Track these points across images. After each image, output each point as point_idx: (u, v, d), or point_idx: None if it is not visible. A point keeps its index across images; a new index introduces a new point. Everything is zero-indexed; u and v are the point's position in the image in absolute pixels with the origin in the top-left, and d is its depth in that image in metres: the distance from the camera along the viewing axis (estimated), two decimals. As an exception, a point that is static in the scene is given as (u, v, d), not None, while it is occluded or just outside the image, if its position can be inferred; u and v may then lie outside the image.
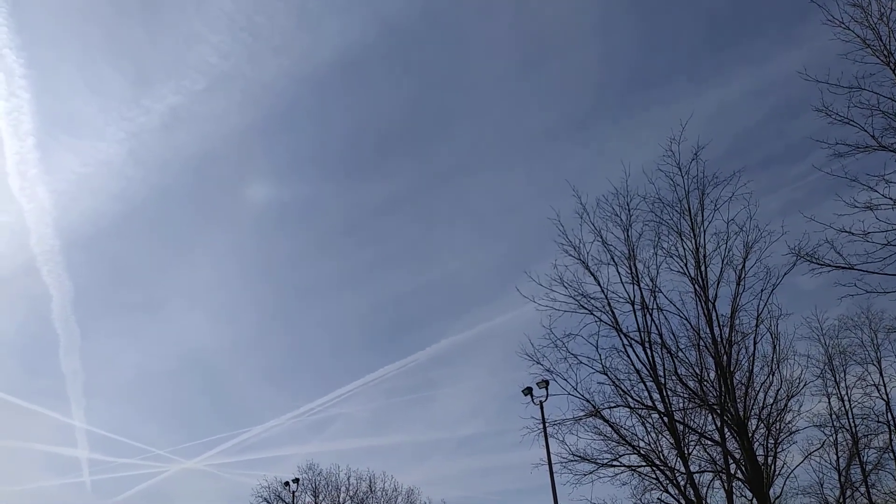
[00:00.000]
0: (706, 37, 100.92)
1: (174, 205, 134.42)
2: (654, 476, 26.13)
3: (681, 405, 23.96)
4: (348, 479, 58.10)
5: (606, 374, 23.31)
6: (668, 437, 25.38)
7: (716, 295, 21.97)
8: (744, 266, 22.07)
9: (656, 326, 22.85)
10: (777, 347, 22.01)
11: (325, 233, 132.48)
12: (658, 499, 26.61)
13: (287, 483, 51.78)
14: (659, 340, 23.23)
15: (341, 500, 57.81)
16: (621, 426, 25.64)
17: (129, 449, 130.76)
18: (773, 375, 22.57)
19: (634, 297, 23.35)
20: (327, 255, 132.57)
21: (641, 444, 26.24)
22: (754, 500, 23.06)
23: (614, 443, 26.68)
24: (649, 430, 26.47)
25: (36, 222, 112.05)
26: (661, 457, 26.10)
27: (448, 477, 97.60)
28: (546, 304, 23.76)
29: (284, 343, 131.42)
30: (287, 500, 56.63)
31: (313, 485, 56.24)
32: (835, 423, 35.00)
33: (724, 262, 21.95)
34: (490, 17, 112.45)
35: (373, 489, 57.86)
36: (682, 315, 22.52)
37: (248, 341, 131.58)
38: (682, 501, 25.26)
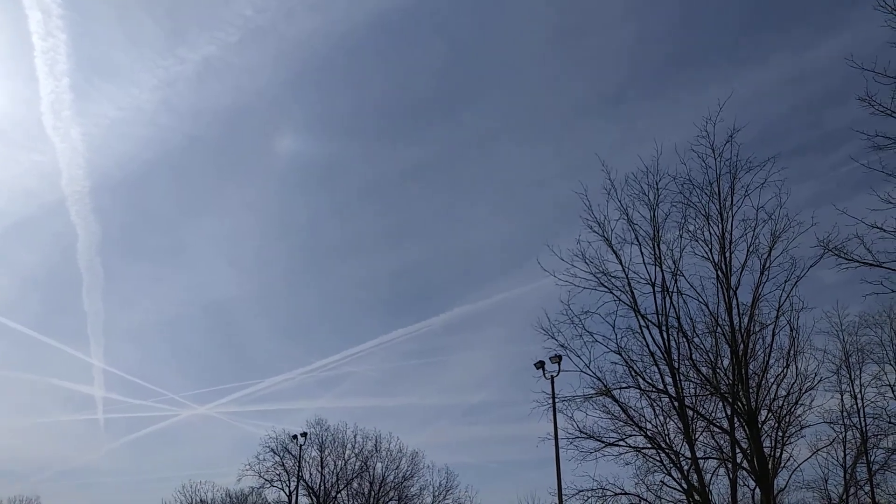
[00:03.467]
0: (747, 19, 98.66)
1: (204, 155, 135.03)
2: (657, 459, 26.18)
3: (692, 391, 23.82)
4: (355, 436, 59.01)
5: (620, 354, 23.21)
6: (675, 421, 25.34)
7: (738, 283, 21.67)
8: (769, 255, 21.72)
9: (675, 310, 22.64)
10: (795, 340, 21.70)
11: (351, 193, 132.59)
12: (661, 482, 26.65)
13: (295, 436, 52.49)
14: (676, 324, 23.09)
15: (346, 456, 58.77)
16: (630, 407, 25.69)
17: (143, 391, 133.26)
18: (787, 368, 22.31)
19: (655, 278, 23.13)
20: (351, 215, 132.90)
21: (648, 426, 26.27)
22: (757, 490, 23.08)
23: (621, 423, 26.69)
24: (657, 413, 26.50)
25: (68, 163, 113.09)
26: (668, 441, 26.09)
27: (453, 443, 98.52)
28: (566, 279, 23.61)
29: (302, 298, 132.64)
30: (294, 453, 57.64)
31: (320, 440, 57.12)
32: (845, 420, 34.78)
33: (750, 250, 21.60)
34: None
35: (378, 448, 58.59)
36: (702, 300, 22.25)
37: (267, 294, 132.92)
38: (685, 486, 25.28)
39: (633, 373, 23.58)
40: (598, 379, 24.16)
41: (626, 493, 27.16)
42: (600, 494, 27.24)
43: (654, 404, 25.84)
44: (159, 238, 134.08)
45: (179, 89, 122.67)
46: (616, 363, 23.75)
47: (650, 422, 26.31)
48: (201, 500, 66.37)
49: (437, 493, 56.21)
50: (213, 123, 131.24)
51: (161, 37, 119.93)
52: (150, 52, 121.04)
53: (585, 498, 26.95)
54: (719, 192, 22.13)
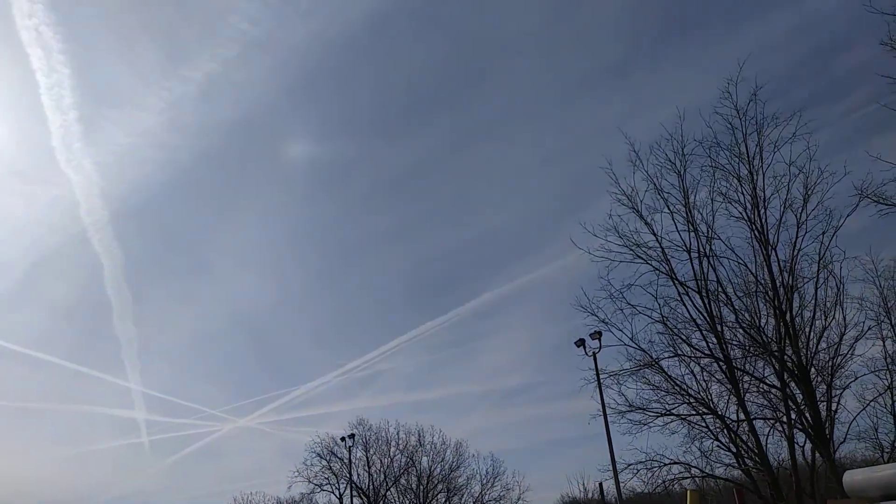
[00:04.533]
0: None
1: (216, 170, 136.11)
2: (703, 425, 26.21)
3: (737, 353, 23.73)
4: (398, 433, 59.41)
5: (665, 324, 23.22)
6: (716, 386, 25.38)
7: (777, 240, 21.54)
8: (804, 208, 21.58)
9: (714, 273, 22.59)
10: (841, 290, 21.53)
11: (364, 192, 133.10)
12: (712, 446, 26.62)
13: (343, 438, 52.91)
14: (717, 288, 23.04)
15: (392, 454, 59.16)
16: (671, 377, 25.68)
17: (183, 409, 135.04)
18: (832, 319, 22.17)
19: (690, 244, 23.10)
20: (366, 214, 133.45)
21: (692, 393, 26.27)
22: (806, 447, 23.02)
23: (663, 392, 26.78)
24: (698, 379, 26.49)
25: (84, 194, 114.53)
26: (711, 405, 26.06)
27: (494, 428, 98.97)
28: (601, 254, 23.66)
29: (329, 302, 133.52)
30: (339, 455, 58.10)
31: (364, 440, 57.53)
32: (890, 366, 34.40)
33: (785, 206, 21.44)
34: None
35: (422, 443, 58.94)
36: (741, 261, 22.14)
37: (294, 301, 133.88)
38: (734, 448, 25.29)
39: (680, 339, 23.56)
40: (644, 351, 24.26)
41: (674, 462, 27.27)
42: (649, 466, 27.41)
43: (698, 371, 25.86)
44: (181, 257, 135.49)
45: (185, 109, 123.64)
46: (661, 333, 23.75)
47: (692, 388, 26.37)
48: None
49: (484, 482, 56.55)
50: (221, 138, 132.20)
51: (162, 59, 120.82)
52: (152, 75, 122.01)
53: (636, 471, 27.19)
54: (747, 151, 22.00)
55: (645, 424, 26.37)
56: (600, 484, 28.92)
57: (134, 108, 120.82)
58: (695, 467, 26.85)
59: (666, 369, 25.75)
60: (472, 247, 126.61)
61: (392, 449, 59.08)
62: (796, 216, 21.63)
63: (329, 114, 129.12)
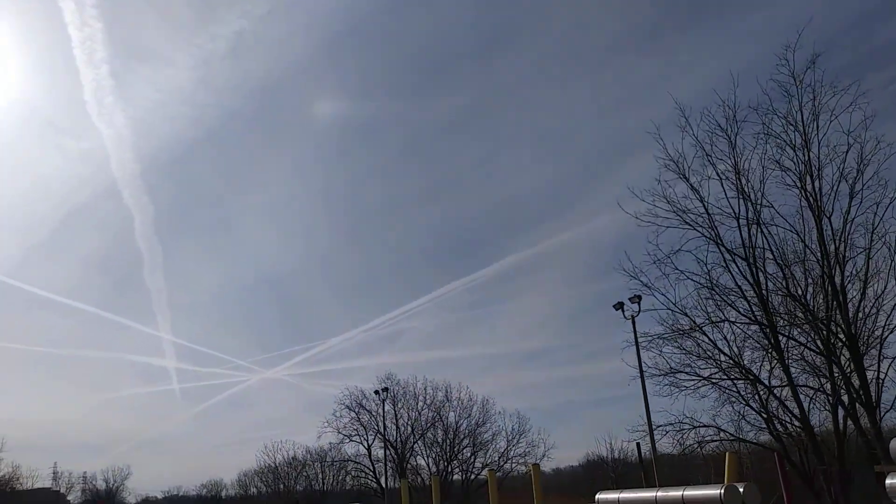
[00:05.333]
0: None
1: (245, 127, 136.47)
2: (735, 389, 26.51)
3: (781, 320, 23.82)
4: (425, 388, 60.46)
5: (714, 289, 23.32)
6: (749, 352, 25.64)
7: (832, 209, 21.42)
8: (859, 178, 21.27)
9: (764, 240, 22.60)
10: (894, 261, 21.40)
11: (391, 152, 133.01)
12: (748, 410, 26.87)
13: (377, 391, 53.91)
14: (768, 255, 23.04)
15: (419, 408, 60.26)
16: (705, 342, 25.89)
17: (212, 359, 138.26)
18: (884, 290, 22.08)
19: (739, 211, 23.07)
20: (393, 173, 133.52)
21: (731, 358, 26.49)
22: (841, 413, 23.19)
23: (695, 356, 27.08)
24: (731, 345, 26.70)
25: (115, 148, 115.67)
26: (743, 371, 26.29)
27: (514, 388, 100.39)
28: (648, 219, 23.72)
29: (354, 260, 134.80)
30: (367, 408, 59.34)
31: (392, 394, 58.56)
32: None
33: (839, 175, 21.24)
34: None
35: (449, 398, 59.95)
36: (792, 229, 22.09)
37: (319, 258, 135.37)
38: (765, 413, 25.59)
39: (725, 305, 23.68)
40: (688, 315, 24.48)
41: (703, 426, 27.66)
42: (678, 428, 27.85)
43: (732, 338, 26.02)
44: (210, 213, 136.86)
45: (215, 66, 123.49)
46: (707, 298, 23.88)
47: (724, 354, 26.58)
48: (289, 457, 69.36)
49: (510, 438, 57.50)
50: (250, 96, 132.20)
51: (193, 16, 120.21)
52: (183, 31, 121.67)
53: (665, 432, 27.67)
54: (802, 119, 21.77)
55: (678, 387, 26.77)
56: (637, 444, 29.26)
57: (164, 64, 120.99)
58: (724, 430, 27.32)
59: (701, 337, 26.07)
60: (498, 209, 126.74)
61: (419, 403, 60.31)
62: (850, 186, 21.46)
63: (358, 73, 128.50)
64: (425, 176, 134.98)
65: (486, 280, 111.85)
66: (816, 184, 21.58)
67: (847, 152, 21.30)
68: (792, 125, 21.76)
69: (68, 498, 74.93)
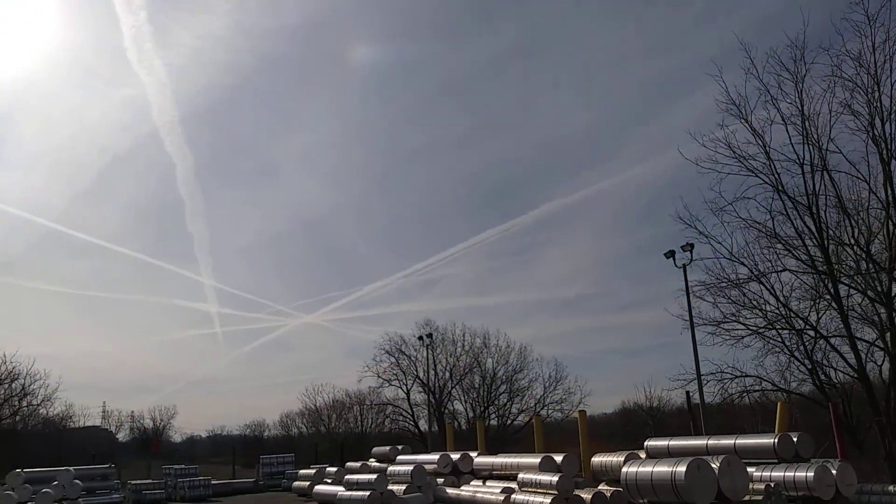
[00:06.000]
0: None
1: (280, 73, 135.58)
2: (779, 339, 26.15)
3: (843, 271, 23.25)
4: (463, 335, 60.74)
5: (778, 238, 22.80)
6: (795, 302, 25.22)
7: (904, 155, 20.63)
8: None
9: (834, 187, 21.95)
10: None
11: (430, 95, 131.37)
12: (799, 360, 26.50)
13: (420, 337, 54.28)
14: (826, 202, 22.45)
15: (457, 353, 60.68)
16: (751, 292, 25.50)
17: (253, 304, 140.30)
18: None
19: (804, 157, 22.39)
20: (432, 118, 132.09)
21: (768, 307, 26.09)
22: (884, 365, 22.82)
23: (740, 306, 26.72)
24: (779, 295, 26.24)
25: (156, 95, 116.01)
26: (800, 319, 25.86)
27: (553, 335, 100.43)
28: (709, 166, 23.16)
29: (392, 206, 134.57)
30: (406, 353, 59.95)
31: (431, 339, 58.98)
32: None
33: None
34: None
35: (487, 345, 60.15)
36: (860, 176, 21.37)
37: (357, 204, 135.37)
38: (808, 364, 25.21)
39: (786, 253, 23.19)
40: (745, 265, 24.14)
41: (746, 375, 27.40)
42: (719, 378, 27.67)
43: (780, 287, 25.57)
44: (250, 160, 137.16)
45: (251, 10, 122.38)
46: (768, 247, 23.40)
47: (780, 301, 26.14)
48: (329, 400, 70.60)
49: (547, 385, 57.74)
50: (286, 40, 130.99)
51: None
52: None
53: (706, 381, 27.53)
54: (875, 60, 20.84)
55: (729, 336, 26.57)
56: (687, 392, 29.09)
57: (201, 9, 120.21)
58: (766, 380, 27.08)
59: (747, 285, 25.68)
60: (537, 153, 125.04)
61: (458, 349, 60.71)
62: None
63: (396, 13, 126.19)
64: (464, 119, 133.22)
65: (526, 226, 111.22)
66: (887, 127, 20.77)
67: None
68: (864, 68, 20.84)
69: (117, 436, 77.69)
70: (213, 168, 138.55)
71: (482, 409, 59.02)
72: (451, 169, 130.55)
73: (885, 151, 20.88)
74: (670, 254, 29.32)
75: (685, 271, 28.64)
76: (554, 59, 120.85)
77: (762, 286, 24.60)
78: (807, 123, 22.14)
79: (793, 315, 25.32)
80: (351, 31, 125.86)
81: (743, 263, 24.36)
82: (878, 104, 20.81)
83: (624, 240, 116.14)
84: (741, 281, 24.58)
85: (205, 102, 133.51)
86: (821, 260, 22.79)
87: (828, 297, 23.45)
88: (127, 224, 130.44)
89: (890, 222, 21.19)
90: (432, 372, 57.65)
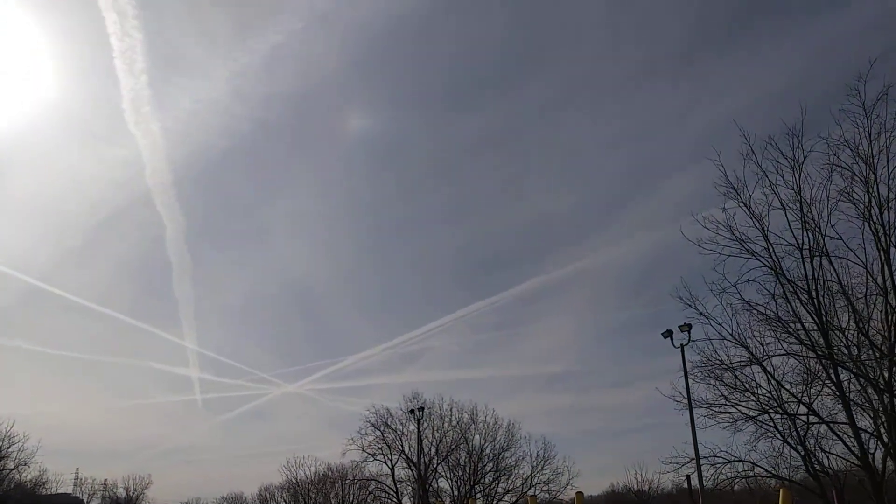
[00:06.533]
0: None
1: (277, 140, 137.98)
2: (771, 424, 26.06)
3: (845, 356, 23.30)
4: (451, 409, 59.80)
5: (781, 322, 22.91)
6: (787, 386, 25.42)
7: (903, 243, 20.94)
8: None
9: (834, 272, 22.16)
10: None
11: (419, 169, 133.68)
12: (791, 446, 26.33)
13: (412, 410, 53.44)
14: (825, 288, 22.64)
15: (444, 429, 59.63)
16: (745, 375, 25.57)
17: (235, 371, 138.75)
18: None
19: (803, 242, 22.67)
20: (422, 191, 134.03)
21: (761, 391, 26.13)
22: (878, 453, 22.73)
23: (732, 388, 26.76)
24: (770, 379, 26.29)
25: (150, 156, 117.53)
26: (782, 407, 25.86)
27: (540, 412, 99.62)
28: (710, 247, 23.43)
29: (380, 276, 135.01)
30: (393, 426, 58.88)
31: (418, 413, 58.02)
32: None
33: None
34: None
35: (474, 420, 59.22)
36: (861, 263, 21.61)
37: (346, 273, 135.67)
38: (801, 450, 25.06)
39: (787, 338, 23.27)
40: (746, 348, 24.12)
41: (738, 460, 27.13)
42: (712, 462, 27.41)
43: (771, 371, 25.65)
44: (240, 223, 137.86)
45: (250, 78, 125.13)
46: (769, 330, 23.51)
47: (760, 386, 26.22)
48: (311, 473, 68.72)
49: (535, 464, 56.68)
50: (282, 109, 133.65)
51: (231, 29, 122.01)
52: (221, 44, 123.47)
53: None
54: (871, 151, 21.39)
55: (727, 418, 26.51)
56: (688, 477, 28.71)
57: (201, 75, 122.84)
58: (759, 466, 26.82)
59: (738, 369, 25.82)
60: (524, 229, 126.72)
61: (445, 424, 59.69)
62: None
63: (389, 90, 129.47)
64: (451, 194, 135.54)
65: (511, 301, 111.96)
66: (885, 215, 21.16)
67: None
68: (861, 157, 21.38)
69: (89, 504, 75.21)
70: (203, 230, 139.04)
71: (468, 487, 57.67)
72: (437, 242, 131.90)
73: (882, 238, 21.20)
74: (668, 333, 29.39)
75: (683, 351, 28.74)
76: (540, 140, 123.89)
77: (762, 369, 24.56)
78: (805, 209, 22.51)
79: (785, 401, 25.39)
80: (345, 104, 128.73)
81: (744, 346, 24.36)
82: (876, 192, 21.25)
83: (608, 316, 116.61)
84: (738, 364, 24.59)
85: (199, 165, 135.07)
86: (821, 344, 22.83)
87: (822, 381, 23.46)
88: (114, 284, 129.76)
89: (888, 308, 21.35)
90: (417, 446, 56.59)
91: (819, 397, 25.50)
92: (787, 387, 25.62)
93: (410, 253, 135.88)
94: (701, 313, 24.75)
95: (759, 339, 24.41)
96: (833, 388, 23.30)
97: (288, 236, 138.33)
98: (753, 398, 26.29)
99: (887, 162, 21.19)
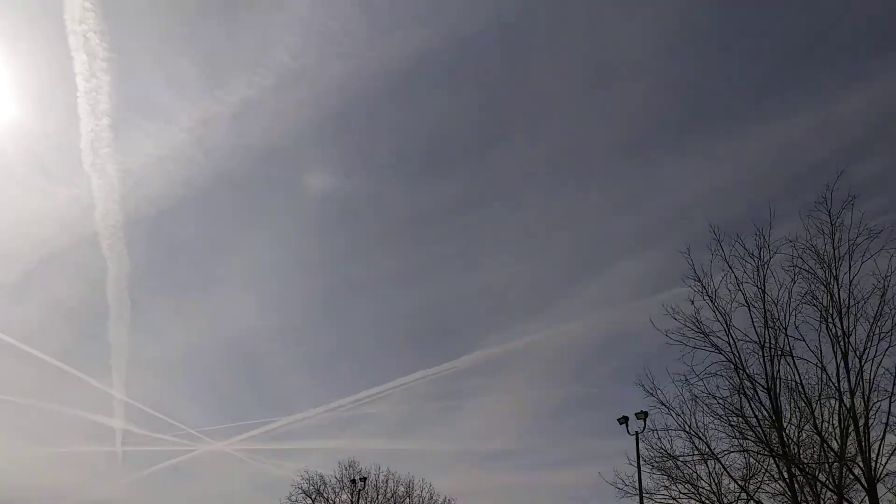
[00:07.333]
0: (771, 71, 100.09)
1: (236, 192, 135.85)
2: None
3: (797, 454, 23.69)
4: (387, 481, 57.95)
5: (742, 416, 23.21)
6: (726, 481, 25.90)
7: (864, 349, 21.59)
8: (877, 322, 21.64)
9: (794, 372, 22.72)
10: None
11: (377, 232, 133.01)
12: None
13: (354, 481, 51.63)
14: (778, 387, 23.14)
15: (379, 500, 57.76)
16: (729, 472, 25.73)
17: (162, 425, 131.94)
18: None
19: (765, 340, 23.23)
20: (376, 254, 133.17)
21: (702, 483, 26.42)
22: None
23: (673, 480, 27.01)
24: (711, 473, 26.65)
25: (103, 198, 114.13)
26: (720, 500, 26.16)
27: (475, 491, 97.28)
28: (677, 338, 23.84)
29: (323, 336, 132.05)
30: (325, 495, 56.80)
31: (350, 482, 56.01)
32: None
33: (874, 324, 21.58)
34: (559, 35, 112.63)
35: (410, 494, 57.47)
36: (819, 365, 22.19)
37: (289, 331, 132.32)
38: None
39: (745, 434, 23.57)
40: (704, 441, 24.35)
41: None
42: None
43: (709, 466, 26.20)
44: (187, 273, 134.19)
45: (215, 129, 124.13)
46: (731, 425, 23.77)
47: (702, 479, 26.51)
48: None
49: (469, 545, 55.30)
50: (245, 161, 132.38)
51: (201, 79, 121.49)
52: (189, 92, 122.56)
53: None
54: (836, 257, 22.27)
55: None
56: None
57: (166, 121, 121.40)
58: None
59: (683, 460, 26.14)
60: (475, 301, 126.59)
61: (380, 496, 57.84)
62: (869, 327, 21.79)
63: (353, 152, 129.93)
64: (406, 259, 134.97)
65: (456, 372, 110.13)
66: (844, 322, 21.88)
67: (868, 296, 21.92)
68: (826, 263, 22.22)
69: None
70: (148, 277, 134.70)
71: (401, 564, 55.74)
72: (385, 307, 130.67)
73: (841, 342, 21.88)
74: (623, 420, 29.47)
75: (637, 440, 28.75)
76: (497, 214, 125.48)
77: (704, 464, 24.84)
78: (768, 308, 23.16)
79: (724, 493, 25.68)
80: (309, 162, 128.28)
81: (702, 438, 24.58)
82: (838, 298, 22.03)
83: (551, 395, 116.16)
84: (686, 457, 24.85)
85: (152, 211, 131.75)
86: (775, 442, 23.16)
87: (769, 476, 23.90)
88: (47, 325, 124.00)
89: (843, 410, 21.86)
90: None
91: (757, 493, 25.80)
92: (730, 479, 25.87)
93: (359, 316, 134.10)
94: (662, 403, 24.94)
95: (715, 432, 24.66)
96: (784, 485, 23.47)
97: (236, 290, 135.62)
98: (694, 491, 26.49)
99: (849, 268, 22.08)
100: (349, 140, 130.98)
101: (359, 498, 50.53)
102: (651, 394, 25.11)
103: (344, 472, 55.42)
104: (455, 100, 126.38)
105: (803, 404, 22.70)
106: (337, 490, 55.51)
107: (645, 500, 28.23)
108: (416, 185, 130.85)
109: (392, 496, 57.29)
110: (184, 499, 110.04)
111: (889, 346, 21.30)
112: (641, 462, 28.18)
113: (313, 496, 56.47)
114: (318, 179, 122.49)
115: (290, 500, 55.74)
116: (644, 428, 28.54)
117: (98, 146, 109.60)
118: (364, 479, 50.68)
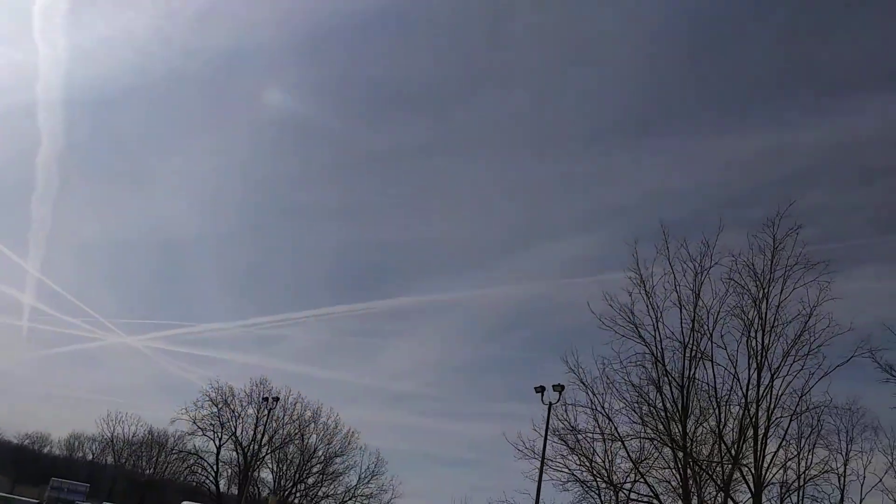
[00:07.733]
0: (740, 89, 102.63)
1: (188, 93, 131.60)
2: (595, 490, 28.65)
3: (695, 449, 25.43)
4: (295, 404, 58.75)
5: (651, 405, 24.85)
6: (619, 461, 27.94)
7: (778, 366, 23.23)
8: (795, 345, 23.34)
9: (709, 375, 24.26)
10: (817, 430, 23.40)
11: (327, 163, 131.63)
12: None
13: (266, 399, 51.97)
14: (704, 388, 24.73)
15: (284, 421, 58.61)
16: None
17: (74, 309, 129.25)
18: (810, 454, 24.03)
19: (688, 341, 24.65)
20: (322, 184, 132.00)
21: (597, 458, 28.16)
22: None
23: (571, 450, 28.60)
24: (607, 451, 28.46)
25: (47, 70, 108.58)
26: (610, 477, 28.06)
27: (379, 426, 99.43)
28: (609, 324, 25.04)
29: (253, 252, 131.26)
30: (232, 406, 57.38)
31: (258, 398, 56.61)
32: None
33: (792, 346, 23.24)
34: (545, 5, 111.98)
35: (315, 420, 58.54)
36: (732, 372, 23.80)
37: (221, 241, 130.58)
38: None
39: (653, 422, 25.10)
40: (613, 423, 25.86)
41: None
42: None
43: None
44: (124, 163, 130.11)
45: (178, 23, 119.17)
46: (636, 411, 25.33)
47: (599, 456, 28.24)
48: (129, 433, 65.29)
49: (362, 476, 57.07)
50: (203, 64, 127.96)
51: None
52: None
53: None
54: (771, 278, 23.71)
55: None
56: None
57: (126, 4, 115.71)
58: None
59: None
60: (412, 248, 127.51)
61: (285, 416, 58.68)
62: (785, 349, 23.50)
63: (322, 79, 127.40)
64: (351, 194, 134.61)
65: (379, 312, 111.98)
66: (766, 338, 23.45)
67: (791, 321, 23.54)
68: (761, 281, 23.65)
69: None
70: (81, 160, 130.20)
71: (291, 484, 57.08)
72: (321, 236, 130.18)
73: (758, 357, 23.50)
74: (540, 389, 30.79)
75: (549, 409, 30.10)
76: (452, 166, 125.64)
77: (623, 446, 26.32)
78: (699, 313, 24.53)
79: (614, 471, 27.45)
80: (268, 77, 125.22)
81: (610, 419, 26.02)
82: (764, 316, 23.56)
83: (466, 350, 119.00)
84: (590, 434, 26.34)
85: (96, 93, 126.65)
86: (678, 434, 24.77)
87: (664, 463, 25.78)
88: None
89: (747, 417, 23.55)
90: (251, 431, 55.49)
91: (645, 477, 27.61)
92: (622, 459, 27.69)
93: (293, 240, 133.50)
94: (582, 381, 26.12)
95: (621, 416, 26.15)
96: (677, 474, 25.21)
97: (171, 190, 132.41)
98: (588, 463, 28.10)
99: (781, 290, 23.59)
100: (321, 67, 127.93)
101: (268, 416, 51.04)
102: (573, 370, 26.27)
103: (254, 388, 56.09)
104: (433, 52, 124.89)
105: (709, 405, 24.29)
106: (245, 404, 56.23)
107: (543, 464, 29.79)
108: (378, 125, 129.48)
109: (298, 419, 58.30)
110: (85, 384, 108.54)
111: (801, 370, 23.03)
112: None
113: (220, 405, 56.97)
114: (278, 98, 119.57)
115: (196, 405, 56.18)
116: (559, 399, 29.87)
117: (52, 15, 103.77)
118: (276, 399, 51.18)
